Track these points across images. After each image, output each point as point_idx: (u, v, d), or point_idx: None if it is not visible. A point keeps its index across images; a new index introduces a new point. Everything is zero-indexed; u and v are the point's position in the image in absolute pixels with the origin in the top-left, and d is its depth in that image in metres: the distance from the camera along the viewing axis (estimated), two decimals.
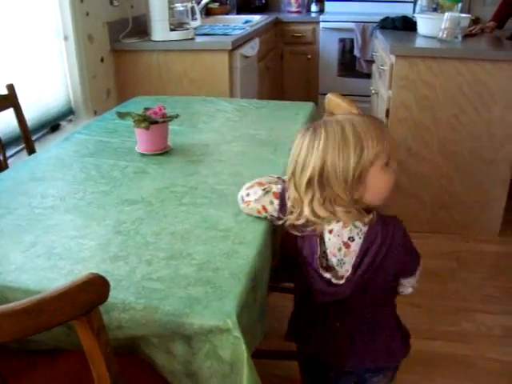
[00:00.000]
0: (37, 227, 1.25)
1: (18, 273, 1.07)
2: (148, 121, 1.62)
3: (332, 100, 1.81)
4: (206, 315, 0.94)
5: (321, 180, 1.10)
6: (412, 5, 4.25)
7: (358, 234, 1.15)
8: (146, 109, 1.69)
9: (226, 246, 1.14)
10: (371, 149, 1.09)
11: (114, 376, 0.87)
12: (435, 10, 3.49)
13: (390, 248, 1.14)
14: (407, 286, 1.31)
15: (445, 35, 2.70)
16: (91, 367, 0.87)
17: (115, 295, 0.98)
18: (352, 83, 4.26)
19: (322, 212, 1.12)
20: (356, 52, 4.15)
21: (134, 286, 1.01)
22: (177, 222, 1.25)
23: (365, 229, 1.14)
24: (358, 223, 1.14)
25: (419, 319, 2.21)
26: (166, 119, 1.65)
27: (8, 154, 2.08)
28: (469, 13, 3.95)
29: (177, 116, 1.71)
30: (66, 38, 2.57)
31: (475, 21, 3.58)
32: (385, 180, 1.13)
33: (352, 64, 4.27)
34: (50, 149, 1.80)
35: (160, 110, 1.66)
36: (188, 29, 2.96)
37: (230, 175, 1.51)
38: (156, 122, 1.64)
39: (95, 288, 0.77)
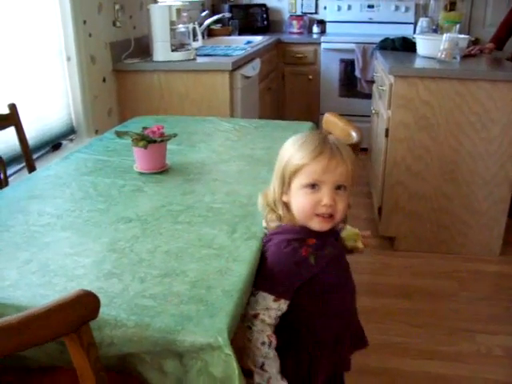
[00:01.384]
0: (32, 244, 1.26)
1: (12, 289, 1.07)
2: (146, 140, 1.64)
3: (329, 119, 1.83)
4: (197, 332, 0.94)
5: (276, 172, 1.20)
6: (412, 26, 4.31)
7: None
8: (145, 128, 1.71)
9: (220, 263, 1.15)
10: (294, 161, 1.14)
11: None
12: (435, 31, 3.53)
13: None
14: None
15: (443, 56, 2.73)
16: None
17: (107, 312, 0.99)
18: (353, 103, 4.30)
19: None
20: (357, 72, 4.19)
21: (126, 303, 1.02)
22: (172, 240, 1.26)
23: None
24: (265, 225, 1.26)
25: (418, 339, 2.20)
26: (164, 138, 1.67)
27: (9, 172, 2.10)
28: (468, 34, 3.99)
29: (175, 135, 1.72)
30: (68, 59, 2.61)
31: (475, 42, 3.62)
32: (300, 199, 1.16)
33: (353, 84, 4.31)
34: (49, 167, 1.82)
35: (158, 129, 1.67)
36: (189, 49, 3.00)
37: (226, 194, 1.52)
38: (154, 141, 1.65)
39: (85, 304, 0.78)
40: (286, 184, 1.17)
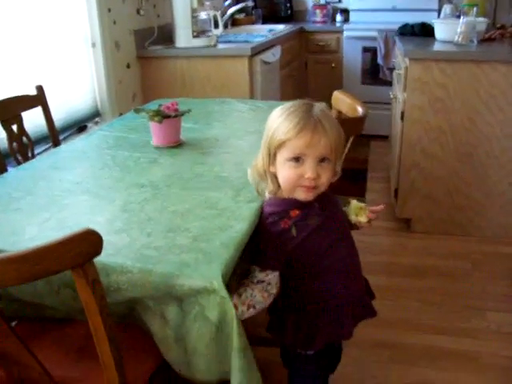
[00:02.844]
0: (53, 206, 1.37)
1: (31, 242, 1.17)
2: (161, 115, 1.73)
3: (337, 96, 1.89)
4: (194, 277, 1.03)
5: (264, 143, 1.24)
6: (436, 13, 4.30)
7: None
8: (160, 105, 1.80)
9: (222, 221, 1.23)
10: (278, 135, 1.18)
11: (109, 328, 0.96)
12: (459, 17, 3.53)
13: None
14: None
15: (460, 39, 2.75)
16: (88, 319, 0.97)
17: (114, 260, 1.08)
18: (375, 91, 4.32)
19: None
20: (379, 60, 4.21)
21: (132, 253, 1.11)
22: (179, 202, 1.35)
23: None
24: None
25: (429, 315, 2.24)
26: (178, 113, 1.76)
27: (36, 151, 2.22)
28: (494, 20, 3.97)
29: (189, 111, 1.81)
30: (93, 45, 2.73)
31: (499, 28, 3.60)
32: (285, 172, 1.20)
33: (375, 72, 4.33)
34: (72, 143, 1.93)
35: (172, 105, 1.77)
36: (210, 36, 3.08)
37: (235, 164, 1.60)
38: (169, 116, 1.75)
39: (89, 240, 0.87)
40: (271, 156, 1.22)
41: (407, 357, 2.01)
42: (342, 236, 1.32)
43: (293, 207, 1.23)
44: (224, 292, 1.01)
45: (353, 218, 1.38)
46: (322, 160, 1.19)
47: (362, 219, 1.37)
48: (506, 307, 2.29)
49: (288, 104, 1.23)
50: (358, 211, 1.38)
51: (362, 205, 1.39)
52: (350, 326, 1.33)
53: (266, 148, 1.22)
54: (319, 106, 1.22)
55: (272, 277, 1.22)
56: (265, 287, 1.21)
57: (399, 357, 2.01)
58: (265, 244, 1.23)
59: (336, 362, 1.59)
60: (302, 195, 1.22)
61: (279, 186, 1.24)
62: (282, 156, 1.19)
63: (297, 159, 1.18)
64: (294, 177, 1.19)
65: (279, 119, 1.19)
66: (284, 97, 3.73)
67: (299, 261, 1.25)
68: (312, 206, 1.24)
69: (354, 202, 1.39)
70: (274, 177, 1.24)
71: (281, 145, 1.18)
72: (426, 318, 2.24)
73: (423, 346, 2.07)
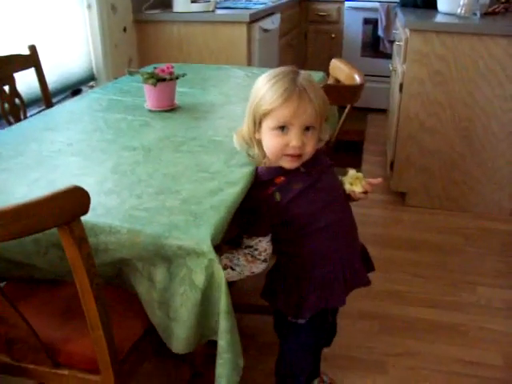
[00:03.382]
0: (43, 166, 1.35)
1: (20, 201, 1.15)
2: (155, 78, 1.70)
3: (336, 65, 1.85)
4: (183, 239, 1.02)
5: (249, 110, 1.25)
6: None
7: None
8: (155, 68, 1.77)
9: (213, 185, 1.21)
10: (263, 104, 1.18)
11: (95, 287, 0.95)
12: None
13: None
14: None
15: (463, 11, 2.71)
16: (75, 279, 0.96)
17: (103, 220, 1.07)
18: (375, 63, 4.27)
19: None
20: (380, 32, 4.15)
21: (121, 214, 1.10)
22: (171, 165, 1.33)
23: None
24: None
25: (420, 288, 2.25)
26: (173, 76, 1.73)
27: (29, 113, 2.19)
28: None
29: (184, 75, 1.78)
30: (89, 7, 2.67)
31: (504, 2, 3.54)
32: (270, 141, 1.21)
33: (376, 44, 4.28)
34: (65, 104, 1.90)
35: (168, 68, 1.73)
36: (209, 1, 3.02)
37: (228, 129, 1.57)
38: (163, 80, 1.72)
39: (76, 198, 0.86)
40: (257, 123, 1.22)
41: (396, 329, 2.02)
42: (333, 199, 1.31)
43: (278, 174, 1.24)
44: (212, 254, 1.00)
45: (347, 187, 1.35)
46: (307, 128, 1.19)
47: (357, 189, 1.34)
48: (497, 282, 2.30)
49: (273, 71, 1.23)
50: (353, 180, 1.35)
51: (359, 174, 1.36)
52: (341, 293, 1.33)
53: (252, 115, 1.22)
54: (304, 75, 1.21)
55: (258, 242, 1.23)
56: (251, 252, 1.22)
57: (388, 328, 2.02)
58: (251, 212, 1.23)
59: (331, 336, 1.59)
60: (287, 164, 1.23)
61: (264, 153, 1.25)
62: (267, 124, 1.20)
63: (282, 128, 1.18)
64: (279, 145, 1.20)
65: (265, 87, 1.19)
66: (282, 65, 3.67)
67: (287, 224, 1.25)
68: (297, 171, 1.24)
69: (351, 172, 1.37)
70: (260, 143, 1.24)
71: (266, 114, 1.18)
72: (416, 290, 2.25)
73: (413, 319, 2.08)
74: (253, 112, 1.22)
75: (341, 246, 1.33)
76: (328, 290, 1.31)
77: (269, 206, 1.22)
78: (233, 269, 1.20)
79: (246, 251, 1.23)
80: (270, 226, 1.24)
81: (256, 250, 1.22)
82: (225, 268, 1.16)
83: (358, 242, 1.40)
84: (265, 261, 1.25)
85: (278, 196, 1.22)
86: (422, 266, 2.42)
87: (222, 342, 1.07)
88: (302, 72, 1.23)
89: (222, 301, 1.03)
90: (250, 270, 1.23)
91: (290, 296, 1.31)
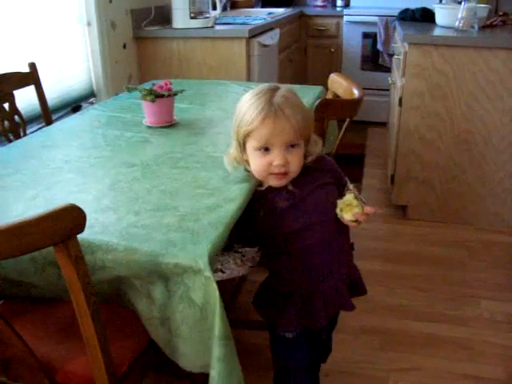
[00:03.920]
0: (40, 184, 1.34)
1: (17, 219, 1.15)
2: (154, 94, 1.70)
3: (334, 79, 1.86)
4: (180, 256, 1.01)
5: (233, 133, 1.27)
6: None
7: None
8: (154, 84, 1.77)
9: (211, 201, 1.21)
10: (243, 125, 1.19)
11: (92, 305, 0.95)
12: (460, 2, 3.48)
13: None
14: None
15: (461, 24, 2.71)
16: (71, 297, 0.95)
17: (100, 238, 1.06)
18: (375, 77, 4.29)
19: None
20: (379, 46, 4.17)
21: (118, 231, 1.09)
22: (169, 181, 1.33)
23: None
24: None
25: (422, 302, 2.24)
26: (171, 93, 1.73)
27: (29, 131, 2.19)
28: (497, 7, 3.93)
29: (182, 91, 1.79)
30: (88, 24, 2.69)
31: (502, 15, 3.55)
32: (254, 161, 1.23)
33: (375, 58, 4.29)
34: (64, 121, 1.91)
35: (166, 84, 1.74)
36: (208, 17, 3.04)
37: (227, 145, 1.56)
38: (162, 96, 1.72)
39: (72, 216, 0.85)
40: (241, 145, 1.24)
41: (398, 343, 2.00)
42: (318, 221, 1.26)
43: (266, 191, 1.27)
44: (209, 272, 0.99)
45: (338, 212, 1.24)
46: (292, 146, 1.20)
47: (346, 216, 1.22)
48: (500, 296, 2.28)
49: (255, 90, 1.23)
50: (344, 206, 1.22)
51: (353, 201, 1.22)
52: (321, 316, 1.29)
53: (236, 136, 1.24)
54: (282, 92, 1.21)
55: (247, 250, 1.26)
56: (240, 257, 1.25)
57: (390, 343, 2.00)
58: (241, 223, 1.24)
59: (326, 353, 1.57)
60: (274, 182, 1.24)
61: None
62: (251, 145, 1.21)
63: (265, 148, 1.19)
64: (264, 165, 1.21)
65: (244, 107, 1.21)
66: (282, 80, 3.70)
67: (271, 241, 1.28)
68: (284, 188, 1.25)
69: (347, 196, 1.24)
70: (249, 164, 1.26)
71: (247, 135, 1.20)
72: (419, 305, 2.23)
73: (415, 333, 2.06)
74: (236, 133, 1.24)
75: (322, 267, 1.29)
76: (306, 309, 1.29)
77: (255, 221, 1.26)
78: (223, 272, 1.21)
79: (236, 255, 1.25)
80: (256, 238, 1.28)
81: (244, 256, 1.26)
82: (215, 271, 1.17)
83: (345, 266, 1.36)
84: (252, 266, 1.28)
85: (261, 212, 1.25)
86: (424, 279, 2.40)
87: (214, 372, 1.03)
88: (282, 88, 1.22)
89: (216, 325, 1.01)
90: (238, 273, 1.25)
91: (270, 308, 1.33)
